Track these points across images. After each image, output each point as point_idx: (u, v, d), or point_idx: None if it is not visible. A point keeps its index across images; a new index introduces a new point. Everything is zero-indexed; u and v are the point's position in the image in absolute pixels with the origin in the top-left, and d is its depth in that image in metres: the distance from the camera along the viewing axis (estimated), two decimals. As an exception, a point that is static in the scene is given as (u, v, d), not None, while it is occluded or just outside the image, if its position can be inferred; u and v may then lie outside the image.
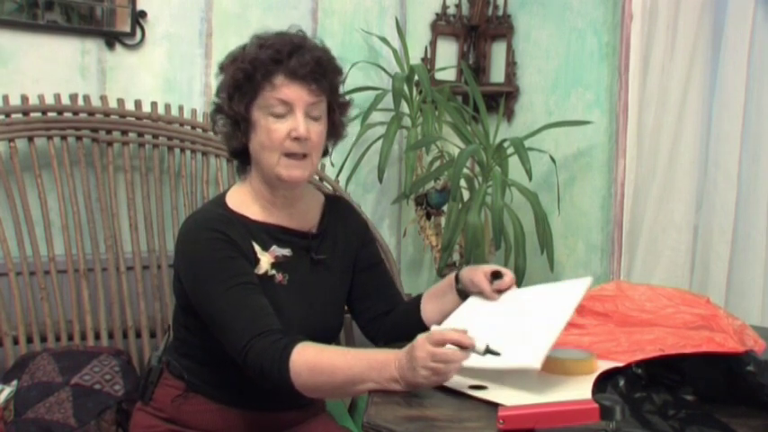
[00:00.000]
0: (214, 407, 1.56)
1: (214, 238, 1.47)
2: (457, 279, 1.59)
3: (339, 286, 1.65)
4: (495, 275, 1.55)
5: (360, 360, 1.31)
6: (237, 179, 1.65)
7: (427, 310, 1.63)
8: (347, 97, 1.64)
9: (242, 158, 1.59)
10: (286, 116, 1.49)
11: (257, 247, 1.52)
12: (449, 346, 1.23)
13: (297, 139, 1.49)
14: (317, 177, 2.54)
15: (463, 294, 1.58)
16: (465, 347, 1.23)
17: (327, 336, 1.59)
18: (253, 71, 1.48)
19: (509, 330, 1.36)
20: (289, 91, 1.48)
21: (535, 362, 1.23)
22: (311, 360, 1.33)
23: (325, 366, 1.32)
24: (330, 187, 2.54)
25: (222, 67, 1.56)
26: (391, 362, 1.27)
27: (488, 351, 1.24)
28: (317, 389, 1.36)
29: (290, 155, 1.50)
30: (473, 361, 1.26)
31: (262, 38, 1.53)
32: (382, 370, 1.27)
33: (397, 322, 1.66)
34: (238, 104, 1.50)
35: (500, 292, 1.54)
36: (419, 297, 1.67)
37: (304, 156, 1.51)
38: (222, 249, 1.46)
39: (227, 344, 1.42)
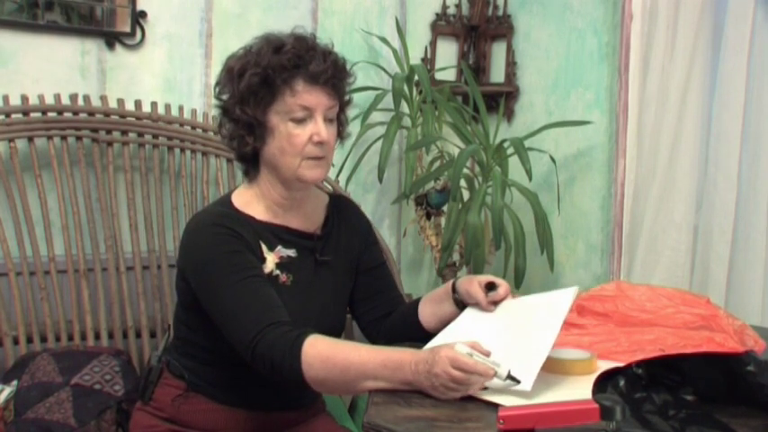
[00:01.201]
0: (214, 406, 1.56)
1: (221, 233, 1.47)
2: (454, 288, 1.60)
3: (342, 287, 1.65)
4: (490, 286, 1.55)
5: (374, 357, 1.31)
6: (241, 180, 1.64)
7: (425, 314, 1.63)
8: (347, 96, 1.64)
9: (251, 162, 1.58)
10: (306, 121, 1.49)
11: (264, 247, 1.52)
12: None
13: (318, 143, 1.50)
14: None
15: (459, 303, 1.59)
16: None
17: (330, 336, 1.59)
18: (272, 76, 1.47)
19: (504, 348, 1.36)
20: (310, 96, 1.48)
21: (527, 385, 1.23)
22: (324, 352, 1.33)
23: (338, 360, 1.32)
24: (330, 187, 2.54)
25: (229, 70, 1.53)
26: (406, 364, 1.27)
27: (510, 377, 1.24)
28: (327, 382, 1.35)
29: (310, 158, 1.51)
30: None
31: (273, 40, 1.51)
32: (396, 371, 1.28)
33: (396, 324, 1.66)
34: (254, 109, 1.49)
35: (495, 303, 1.54)
36: (417, 301, 1.67)
37: (322, 157, 1.53)
38: (229, 243, 1.47)
39: (234, 338, 1.41)
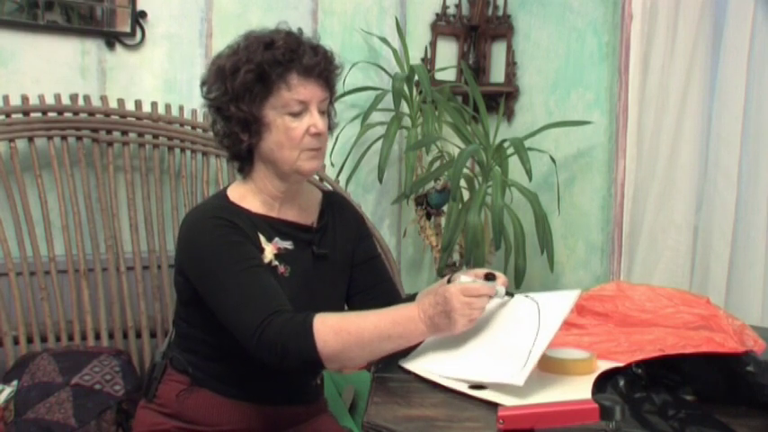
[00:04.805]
0: (219, 400, 1.56)
1: (219, 225, 1.48)
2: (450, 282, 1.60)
3: (340, 281, 1.66)
4: (488, 277, 1.55)
5: (383, 318, 1.37)
6: (238, 177, 1.65)
7: None
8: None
9: (246, 158, 1.59)
10: (302, 114, 1.51)
11: (262, 238, 1.53)
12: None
13: (316, 134, 1.52)
14: (316, 177, 2.54)
15: None
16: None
17: None
18: (267, 72, 1.49)
19: (499, 340, 1.37)
20: (305, 90, 1.50)
21: (519, 380, 1.24)
22: (335, 325, 1.36)
23: (352, 329, 1.35)
24: (330, 187, 2.54)
25: (219, 68, 1.54)
26: (415, 315, 1.36)
27: (507, 293, 1.42)
28: (344, 354, 1.37)
29: (308, 149, 1.53)
30: (457, 373, 1.32)
31: (261, 37, 1.53)
32: (408, 324, 1.36)
33: None
34: (249, 105, 1.50)
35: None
36: (414, 296, 1.68)
37: (319, 148, 1.55)
38: (228, 235, 1.47)
39: (237, 328, 1.41)
